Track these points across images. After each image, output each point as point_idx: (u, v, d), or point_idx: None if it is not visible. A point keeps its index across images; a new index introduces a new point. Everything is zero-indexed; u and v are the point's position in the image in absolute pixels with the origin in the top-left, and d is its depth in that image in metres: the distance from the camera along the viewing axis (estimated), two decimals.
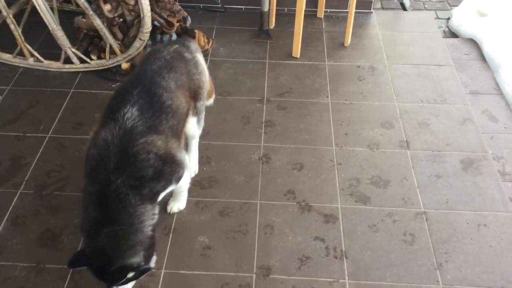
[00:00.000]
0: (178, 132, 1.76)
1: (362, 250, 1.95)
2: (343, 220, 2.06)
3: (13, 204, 2.10)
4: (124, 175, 1.52)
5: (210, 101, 2.27)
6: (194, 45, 2.05)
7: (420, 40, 3.11)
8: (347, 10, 3.24)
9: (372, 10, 3.33)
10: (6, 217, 2.05)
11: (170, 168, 1.65)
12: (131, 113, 1.60)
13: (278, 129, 2.48)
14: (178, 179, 1.75)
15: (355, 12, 2.97)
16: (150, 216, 1.59)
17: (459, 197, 2.16)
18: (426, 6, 3.57)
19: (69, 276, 1.84)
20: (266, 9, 3.02)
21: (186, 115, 1.86)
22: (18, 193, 2.15)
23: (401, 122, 2.52)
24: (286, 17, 3.23)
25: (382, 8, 3.49)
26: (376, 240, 1.99)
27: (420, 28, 3.23)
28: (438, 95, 2.69)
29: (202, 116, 2.08)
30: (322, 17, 3.29)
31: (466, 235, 2.01)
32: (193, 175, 2.22)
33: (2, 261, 1.90)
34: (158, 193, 1.65)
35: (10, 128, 2.44)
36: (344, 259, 1.92)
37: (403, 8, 3.49)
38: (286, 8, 3.28)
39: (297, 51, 2.92)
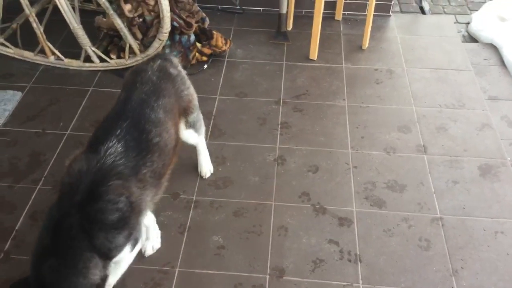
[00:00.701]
0: (160, 176, 1.66)
1: (377, 254, 1.94)
2: (358, 223, 2.05)
3: (31, 199, 2.14)
4: (84, 212, 1.42)
5: None
6: (175, 59, 1.96)
7: (439, 44, 3.08)
8: (365, 13, 3.22)
9: (390, 13, 3.31)
10: (24, 212, 2.09)
11: (135, 220, 1.53)
12: (115, 149, 1.51)
13: (293, 131, 2.48)
14: (134, 241, 1.58)
15: (373, 15, 2.96)
16: (99, 267, 1.45)
17: (476, 203, 2.13)
18: (445, 10, 3.54)
19: None
20: (284, 11, 3.02)
21: (174, 149, 1.76)
22: (37, 188, 2.18)
23: (419, 126, 2.50)
24: (303, 19, 3.23)
25: (401, 11, 3.47)
26: (391, 245, 1.98)
27: (439, 32, 3.20)
28: (456, 100, 2.66)
29: (200, 124, 2.04)
30: (340, 19, 3.28)
31: (483, 242, 1.99)
32: (208, 175, 2.24)
33: (20, 255, 1.93)
34: (114, 249, 1.49)
35: (30, 125, 2.48)
36: (359, 262, 1.91)
37: (422, 11, 3.46)
38: (304, 10, 3.28)
39: (314, 53, 2.92)
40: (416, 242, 1.99)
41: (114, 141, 1.52)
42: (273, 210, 2.11)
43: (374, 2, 2.86)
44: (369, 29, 2.97)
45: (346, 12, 3.29)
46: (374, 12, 2.96)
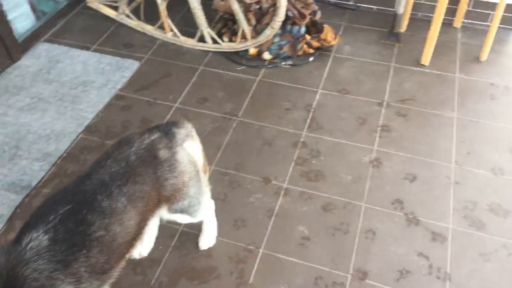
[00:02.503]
0: (103, 271, 1.38)
1: (468, 277, 1.84)
2: (452, 241, 1.95)
3: None
4: None
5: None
6: (183, 132, 1.59)
7: None
8: (488, 23, 3.02)
9: None
10: None
11: None
12: (39, 241, 1.25)
13: (394, 135, 2.41)
14: None
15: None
16: None
17: None
18: None
19: (177, 236, 1.99)
20: (401, 11, 2.93)
21: (130, 242, 1.45)
22: None
23: None
24: (419, 22, 3.10)
25: None
26: (485, 270, 1.86)
27: None
28: None
29: (197, 209, 1.69)
30: (459, 27, 3.10)
31: None
32: (205, 247, 1.93)
33: None
34: None
35: (144, 93, 2.67)
36: (447, 281, 1.83)
37: None
38: (420, 13, 3.15)
39: (426, 58, 2.79)
40: None
41: (40, 231, 1.27)
42: (362, 212, 2.08)
43: (501, 13, 2.66)
44: (491, 41, 2.78)
45: (466, 20, 3.10)
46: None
